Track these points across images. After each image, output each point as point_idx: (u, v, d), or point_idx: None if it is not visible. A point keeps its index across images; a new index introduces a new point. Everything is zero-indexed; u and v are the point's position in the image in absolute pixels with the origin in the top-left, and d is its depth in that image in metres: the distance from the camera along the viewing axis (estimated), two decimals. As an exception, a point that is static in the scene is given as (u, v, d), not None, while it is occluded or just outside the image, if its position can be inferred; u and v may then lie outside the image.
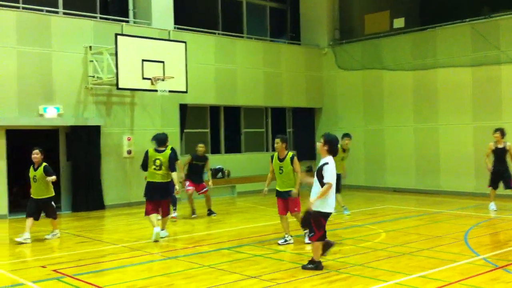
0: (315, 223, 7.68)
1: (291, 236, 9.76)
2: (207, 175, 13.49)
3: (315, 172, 7.79)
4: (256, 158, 19.04)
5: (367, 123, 19.40)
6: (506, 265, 7.87)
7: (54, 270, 8.07)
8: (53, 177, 10.32)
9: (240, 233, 10.96)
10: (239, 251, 9.23)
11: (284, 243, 9.62)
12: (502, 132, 13.12)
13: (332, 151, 7.75)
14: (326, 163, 7.63)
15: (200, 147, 13.13)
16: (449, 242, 9.64)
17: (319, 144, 7.81)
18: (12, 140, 13.85)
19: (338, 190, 12.73)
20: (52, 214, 10.64)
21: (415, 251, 8.89)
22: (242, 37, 19.55)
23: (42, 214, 10.69)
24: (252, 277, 7.48)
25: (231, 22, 19.75)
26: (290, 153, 9.63)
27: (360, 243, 9.64)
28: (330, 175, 7.58)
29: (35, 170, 10.39)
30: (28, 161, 10.59)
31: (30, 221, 10.42)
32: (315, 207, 7.64)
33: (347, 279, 7.29)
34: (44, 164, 10.40)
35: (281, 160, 9.61)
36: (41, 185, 10.35)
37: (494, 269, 7.70)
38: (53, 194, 10.61)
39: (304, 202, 9.30)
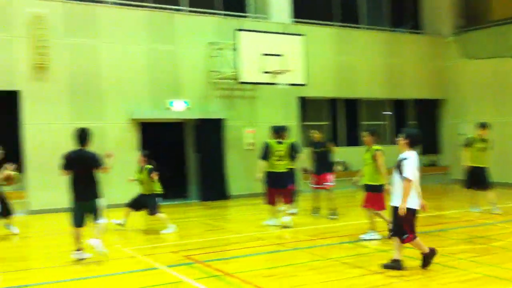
0: (405, 223, 7.38)
1: (374, 231, 9.59)
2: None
3: (395, 166, 7.46)
4: (376, 151, 18.64)
5: (497, 115, 18.22)
6: None
7: (186, 256, 8.50)
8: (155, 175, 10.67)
9: (363, 227, 10.79)
10: (363, 246, 9.13)
11: (367, 237, 9.52)
12: None
13: (413, 146, 7.43)
14: (405, 158, 7.34)
15: (314, 133, 12.78)
16: None
17: (400, 139, 7.53)
18: (144, 132, 14.71)
19: (487, 186, 12.12)
20: (151, 209, 10.76)
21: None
22: (361, 27, 19.23)
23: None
24: (378, 272, 7.36)
25: (349, 13, 19.47)
26: (374, 147, 9.46)
27: (492, 242, 9.14)
28: (409, 170, 7.25)
29: (140, 172, 10.86)
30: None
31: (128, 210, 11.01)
32: (398, 205, 7.34)
33: (480, 279, 6.95)
34: (148, 167, 10.74)
35: (367, 152, 9.60)
36: (144, 184, 10.75)
37: None
38: (159, 191, 10.86)
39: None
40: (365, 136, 9.61)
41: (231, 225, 11.84)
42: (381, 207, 9.47)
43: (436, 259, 7.94)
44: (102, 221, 8.41)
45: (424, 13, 20.70)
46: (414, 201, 7.34)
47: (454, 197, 16.56)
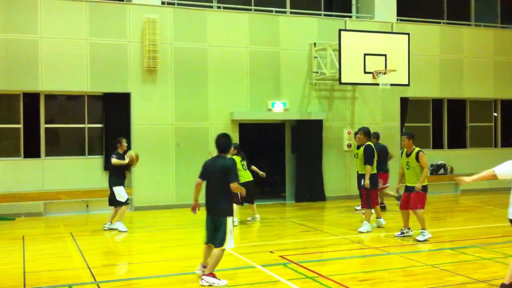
0: None
1: (409, 229, 10.06)
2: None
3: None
4: (483, 153, 17.85)
5: None
6: None
7: (281, 256, 8.62)
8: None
9: (464, 234, 10.41)
10: (464, 253, 8.78)
11: (401, 235, 10.08)
12: None
13: None
14: None
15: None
16: None
17: None
18: (243, 132, 15.06)
19: None
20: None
21: None
22: (470, 25, 18.39)
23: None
24: (480, 281, 7.09)
25: (458, 10, 18.69)
26: (416, 149, 9.78)
27: None
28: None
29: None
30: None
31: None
32: None
33: None
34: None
35: (408, 155, 9.84)
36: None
37: None
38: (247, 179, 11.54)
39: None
40: (404, 140, 9.91)
41: (327, 227, 11.80)
42: (423, 207, 9.90)
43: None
44: (227, 246, 7.08)
45: (539, 7, 19.44)
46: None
47: None
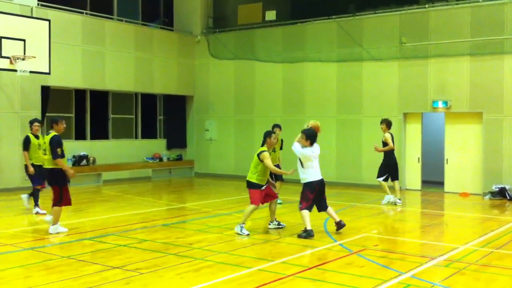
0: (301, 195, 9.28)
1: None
2: None
3: None
4: (124, 144, 18.64)
5: (238, 113, 19.55)
6: (360, 251, 8.39)
7: None
8: None
9: (105, 223, 10.60)
10: (103, 241, 8.92)
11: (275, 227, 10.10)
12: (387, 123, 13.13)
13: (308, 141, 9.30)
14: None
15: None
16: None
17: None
18: None
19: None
20: None
21: (278, 238, 9.22)
22: (112, 18, 18.80)
23: None
24: (115, 267, 7.29)
25: (101, 2, 18.88)
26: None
27: (225, 231, 9.74)
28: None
29: None
30: None
31: None
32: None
33: (213, 267, 7.37)
34: None
35: None
36: None
37: (349, 254, 8.18)
38: None
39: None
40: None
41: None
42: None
43: (173, 250, 8.19)
44: None
45: (176, 11, 21.15)
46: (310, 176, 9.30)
47: (196, 190, 17.32)
